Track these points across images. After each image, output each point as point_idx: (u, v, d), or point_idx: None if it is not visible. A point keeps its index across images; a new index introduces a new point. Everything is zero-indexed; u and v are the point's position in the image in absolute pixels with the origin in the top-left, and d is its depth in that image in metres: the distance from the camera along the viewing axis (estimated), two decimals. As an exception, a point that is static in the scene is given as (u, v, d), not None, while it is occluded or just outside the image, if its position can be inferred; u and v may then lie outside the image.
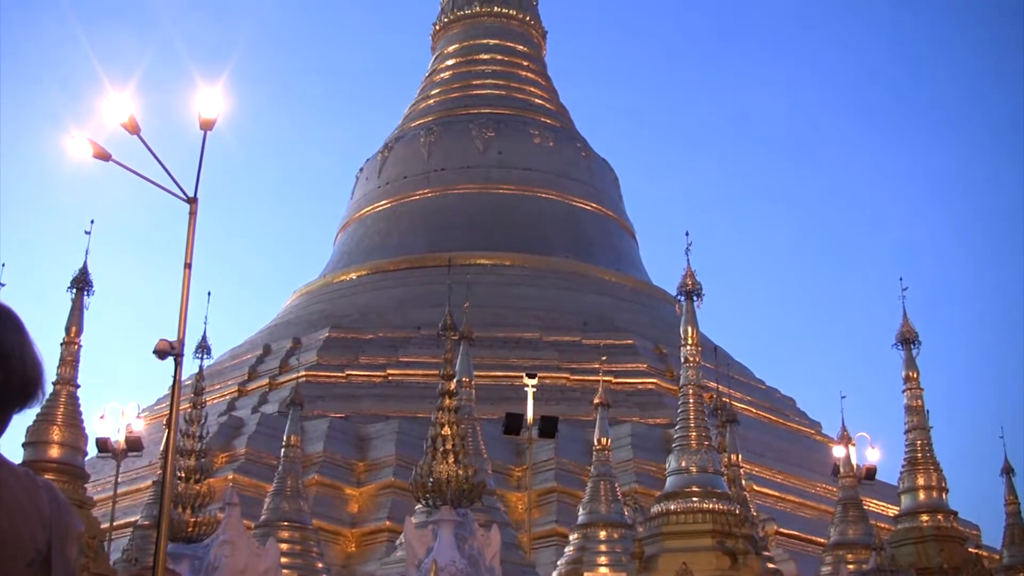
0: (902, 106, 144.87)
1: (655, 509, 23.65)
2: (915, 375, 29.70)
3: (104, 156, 15.61)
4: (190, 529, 25.82)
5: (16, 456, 27.59)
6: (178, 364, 15.26)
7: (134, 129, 15.47)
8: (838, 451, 32.67)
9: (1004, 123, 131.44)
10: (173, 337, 15.10)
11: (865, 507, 32.92)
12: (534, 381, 33.96)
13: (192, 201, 15.87)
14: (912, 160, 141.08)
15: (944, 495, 28.69)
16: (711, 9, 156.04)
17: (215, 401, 47.87)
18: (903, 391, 29.68)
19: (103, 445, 32.81)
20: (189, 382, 31.68)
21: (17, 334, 3.06)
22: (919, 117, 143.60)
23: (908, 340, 30.00)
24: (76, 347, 28.08)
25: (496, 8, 71.01)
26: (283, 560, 27.34)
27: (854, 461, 32.48)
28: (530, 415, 33.75)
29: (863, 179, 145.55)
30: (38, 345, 3.11)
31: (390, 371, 48.88)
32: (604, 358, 39.72)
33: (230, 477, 39.36)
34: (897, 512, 29.87)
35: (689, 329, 25.36)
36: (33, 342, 3.10)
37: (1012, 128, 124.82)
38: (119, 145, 15.70)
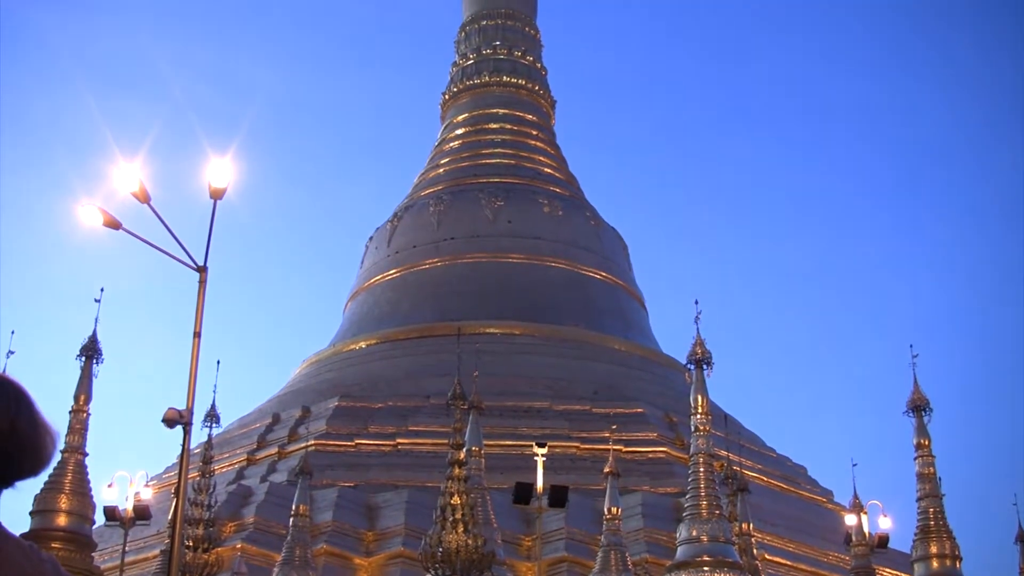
0: (910, 174, 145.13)
1: (666, 579, 23.49)
2: (927, 442, 29.59)
3: (114, 224, 15.67)
4: (198, 599, 25.68)
5: (23, 525, 27.52)
6: (187, 433, 15.24)
7: (144, 198, 15.54)
8: (850, 519, 32.52)
9: (1008, 191, 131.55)
10: (182, 406, 15.09)
11: (878, 576, 32.68)
12: (544, 450, 33.79)
13: (202, 270, 15.90)
14: (921, 228, 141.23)
15: (958, 563, 28.50)
16: (719, 78, 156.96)
17: (224, 470, 47.71)
18: (915, 458, 29.58)
19: (111, 513, 32.65)
20: (198, 451, 31.63)
21: (26, 409, 3.08)
22: (927, 186, 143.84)
23: (919, 407, 29.92)
24: (85, 415, 28.11)
25: (505, 78, 71.48)
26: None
27: (866, 529, 32.30)
28: (540, 484, 33.53)
29: (873, 246, 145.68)
30: (46, 416, 3.12)
31: (399, 440, 48.72)
32: (614, 427, 39.61)
33: (238, 546, 39.13)
34: (910, 581, 29.65)
35: (699, 397, 25.33)
36: (43, 418, 3.12)
37: (1016, 196, 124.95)
38: (129, 213, 15.78)
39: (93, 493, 28.02)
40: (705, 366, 25.60)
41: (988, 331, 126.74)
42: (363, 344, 59.42)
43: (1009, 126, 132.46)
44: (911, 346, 31.21)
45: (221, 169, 16.06)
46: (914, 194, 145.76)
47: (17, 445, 3.03)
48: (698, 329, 26.03)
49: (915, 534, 29.05)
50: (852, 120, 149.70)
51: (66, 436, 27.24)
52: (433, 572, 23.47)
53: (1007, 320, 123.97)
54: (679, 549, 23.92)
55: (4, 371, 31.31)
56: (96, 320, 29.59)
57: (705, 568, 22.90)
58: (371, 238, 66.85)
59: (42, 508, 26.69)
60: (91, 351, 28.96)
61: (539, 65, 74.39)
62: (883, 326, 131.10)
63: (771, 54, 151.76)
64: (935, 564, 28.22)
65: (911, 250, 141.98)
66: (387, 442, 48.89)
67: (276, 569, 30.96)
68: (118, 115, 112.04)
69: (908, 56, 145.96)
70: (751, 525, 30.98)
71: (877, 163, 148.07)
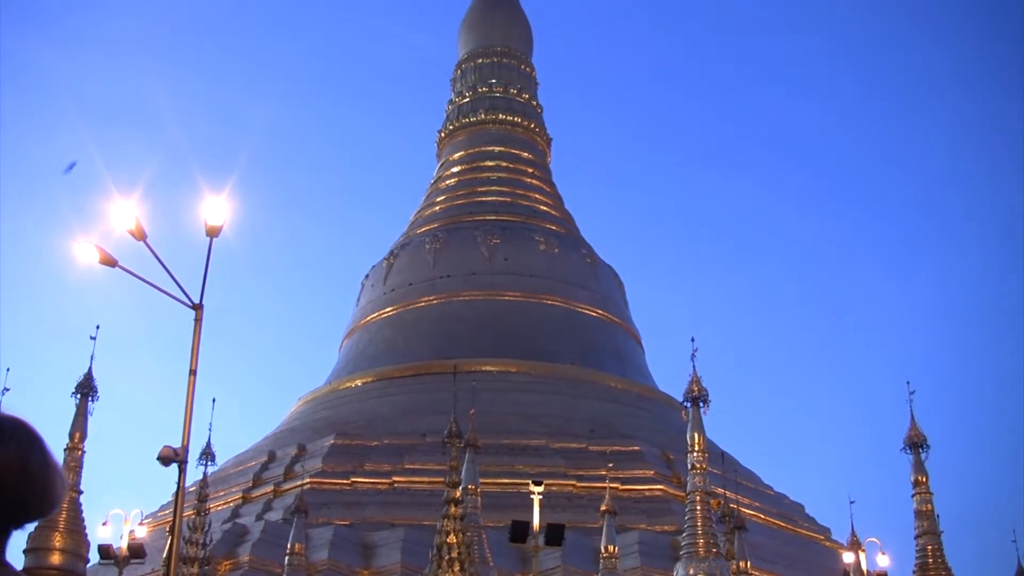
0: (908, 210, 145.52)
1: (663, 617, 23.40)
2: (924, 479, 29.53)
3: (110, 262, 15.64)
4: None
5: (17, 562, 27.36)
6: (182, 471, 15.17)
7: (140, 235, 15.51)
8: (848, 557, 32.39)
9: (1002, 228, 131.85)
10: (177, 443, 15.03)
11: (876, 615, 32.52)
12: (540, 488, 33.67)
13: (198, 308, 15.87)
14: (918, 265, 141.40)
15: (956, 602, 28.37)
16: (716, 115, 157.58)
17: (219, 508, 47.57)
18: (913, 495, 29.51)
19: (105, 552, 32.49)
20: (193, 489, 31.51)
21: (38, 450, 3.09)
22: (924, 223, 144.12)
23: (916, 444, 29.87)
24: (79, 453, 28.03)
25: (501, 116, 71.69)
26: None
27: (864, 567, 32.18)
28: (536, 522, 33.40)
29: (871, 283, 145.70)
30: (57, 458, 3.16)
31: (395, 478, 48.57)
32: (611, 465, 39.52)
33: (233, 586, 38.98)
34: (908, 620, 29.52)
35: (696, 435, 25.29)
36: (54, 459, 3.14)
37: (1010, 232, 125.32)
38: (125, 251, 15.75)
39: (88, 531, 27.90)
40: (701, 403, 25.57)
41: (985, 367, 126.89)
42: (359, 382, 59.32)
43: (1006, 164, 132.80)
44: (908, 382, 31.18)
45: (217, 207, 16.05)
46: (911, 230, 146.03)
47: (28, 486, 3.04)
48: (694, 366, 26.04)
49: (914, 572, 28.96)
50: (848, 158, 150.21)
51: (61, 474, 27.15)
52: (429, 611, 23.36)
53: (1005, 356, 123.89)
54: (676, 587, 23.80)
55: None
56: (91, 357, 29.55)
57: (702, 607, 22.80)
58: (367, 276, 66.86)
59: (36, 546, 26.57)
60: (86, 388, 28.89)
61: (535, 103, 74.64)
62: (880, 363, 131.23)
63: (769, 93, 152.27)
64: (933, 602, 28.12)
65: (908, 287, 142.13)
66: (383, 480, 48.74)
67: (271, 608, 30.83)
68: (114, 151, 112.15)
69: (904, 100, 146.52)
70: (748, 563, 30.88)
71: (875, 199, 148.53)
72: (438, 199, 68.87)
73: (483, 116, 71.76)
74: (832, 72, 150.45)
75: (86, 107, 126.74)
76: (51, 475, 3.09)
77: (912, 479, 29.62)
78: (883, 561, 33.97)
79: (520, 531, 34.07)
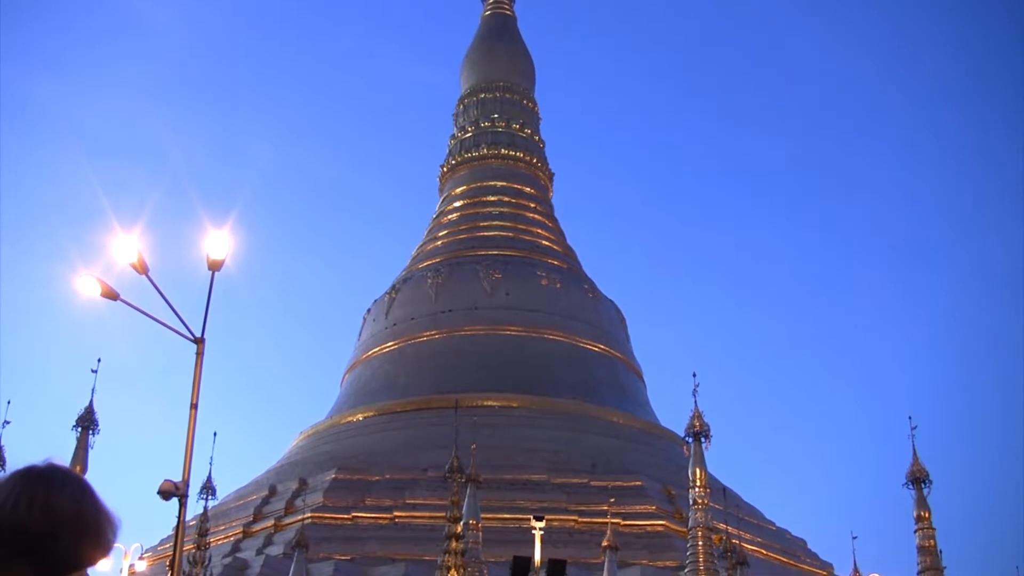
0: (907, 247, 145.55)
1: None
2: (927, 515, 29.43)
3: (112, 295, 15.65)
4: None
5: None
6: (183, 505, 15.14)
7: (142, 269, 15.53)
8: (850, 594, 32.25)
9: (1004, 263, 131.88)
10: (178, 477, 15.00)
11: (879, 651, 32.39)
12: (542, 523, 33.62)
13: (199, 341, 15.87)
14: (919, 300, 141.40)
15: (959, 639, 28.24)
16: (718, 153, 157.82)
17: (220, 542, 47.42)
18: (915, 531, 29.41)
19: (106, 588, 32.44)
20: (194, 523, 31.45)
21: (90, 496, 3.16)
22: (924, 258, 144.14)
23: (919, 479, 29.79)
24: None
25: (503, 151, 71.84)
26: None
27: (867, 604, 32.05)
28: (538, 558, 33.32)
29: (872, 319, 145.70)
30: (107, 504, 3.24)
31: (396, 513, 48.43)
32: (612, 500, 39.43)
33: (234, 621, 38.82)
34: (911, 657, 29.37)
35: (697, 470, 25.24)
36: (105, 505, 3.21)
37: (1013, 265, 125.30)
38: (127, 284, 15.78)
39: (88, 566, 27.79)
40: (703, 439, 25.53)
41: (988, 403, 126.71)
42: (360, 416, 59.22)
43: (1003, 199, 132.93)
44: (910, 418, 31.11)
45: (219, 241, 16.08)
46: (912, 265, 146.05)
47: (83, 531, 3.10)
48: (696, 402, 26.03)
49: (916, 608, 28.82)
50: (851, 194, 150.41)
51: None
52: (430, 647, 23.27)
53: (1007, 391, 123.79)
54: (678, 624, 23.70)
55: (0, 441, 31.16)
56: (93, 390, 29.55)
57: (704, 643, 22.70)
58: (369, 310, 66.85)
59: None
60: (87, 421, 28.86)
61: (537, 138, 74.81)
62: (882, 398, 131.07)
63: (773, 130, 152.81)
64: (936, 639, 27.98)
65: (910, 322, 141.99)
66: (384, 515, 48.60)
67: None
68: (117, 185, 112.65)
69: (904, 137, 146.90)
70: (750, 599, 30.75)
71: (876, 235, 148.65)
72: (440, 234, 68.92)
73: (485, 151, 71.91)
74: (835, 111, 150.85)
75: (89, 141, 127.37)
76: (104, 520, 3.16)
77: (915, 515, 29.53)
78: (886, 597, 33.86)
79: (522, 567, 33.98)
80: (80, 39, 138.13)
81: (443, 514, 26.74)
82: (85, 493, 3.13)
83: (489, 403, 55.81)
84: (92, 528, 3.11)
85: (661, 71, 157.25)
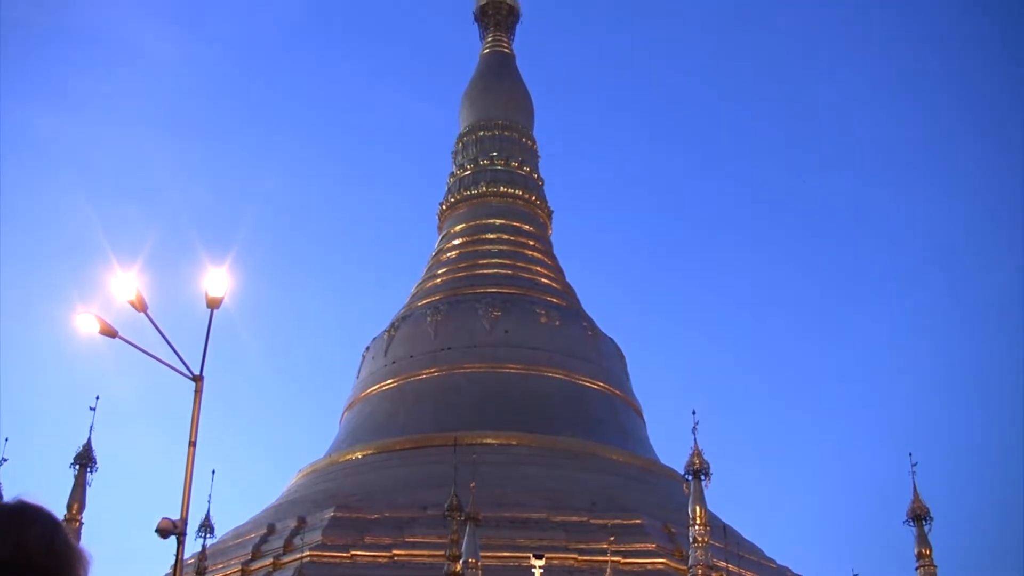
0: (908, 279, 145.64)
1: None
2: (928, 552, 29.39)
3: (111, 333, 15.65)
4: None
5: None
6: (181, 543, 15.10)
7: (141, 306, 15.54)
8: (852, 632, 32.12)
9: (1008, 297, 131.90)
10: (176, 515, 14.96)
11: None
12: (541, 562, 33.54)
13: (198, 379, 15.87)
14: (919, 336, 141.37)
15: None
16: (722, 193, 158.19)
17: (218, 582, 47.23)
18: (916, 568, 29.35)
19: (103, 627, 32.23)
20: (192, 561, 31.36)
21: (61, 534, 3.25)
22: (924, 293, 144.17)
23: (919, 516, 29.75)
24: (78, 524, 27.91)
25: (503, 188, 72.02)
26: None
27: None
28: (537, 596, 33.22)
29: (872, 354, 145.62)
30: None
31: (396, 551, 48.26)
32: (612, 538, 39.34)
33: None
34: None
35: (697, 508, 25.21)
36: (77, 544, 3.28)
37: (1015, 300, 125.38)
38: (126, 321, 15.79)
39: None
40: (703, 477, 25.50)
41: (988, 440, 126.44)
42: (360, 454, 59.10)
43: (1010, 229, 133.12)
44: (910, 455, 31.12)
45: (218, 278, 16.10)
46: (912, 300, 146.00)
47: (54, 566, 3.17)
48: (695, 439, 26.02)
49: (918, 647, 28.70)
50: (845, 223, 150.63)
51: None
52: None
53: (1007, 429, 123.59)
54: (678, 663, 23.61)
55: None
56: (91, 428, 29.53)
57: None
58: (368, 348, 66.84)
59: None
60: (85, 459, 28.84)
61: (536, 175, 75.02)
62: (882, 435, 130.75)
63: (774, 164, 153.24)
64: (938, 678, 27.85)
65: (911, 358, 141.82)
66: (383, 553, 48.43)
67: None
68: (116, 222, 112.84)
69: (901, 154, 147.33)
70: (751, 638, 30.64)
71: (874, 267, 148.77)
72: (439, 271, 68.99)
73: (484, 189, 72.09)
74: (831, 144, 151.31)
75: (88, 177, 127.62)
76: (74, 557, 3.23)
77: (916, 552, 29.48)
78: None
79: (521, 605, 33.89)
80: (80, 74, 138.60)
81: (443, 552, 26.69)
82: (56, 529, 3.20)
83: (488, 441, 55.73)
84: (64, 564, 3.17)
85: (662, 110, 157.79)
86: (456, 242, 70.52)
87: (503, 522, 46.80)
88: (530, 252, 69.87)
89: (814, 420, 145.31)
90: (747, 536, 54.48)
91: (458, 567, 24.25)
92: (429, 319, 63.88)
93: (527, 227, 71.25)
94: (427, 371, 61.83)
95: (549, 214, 74.20)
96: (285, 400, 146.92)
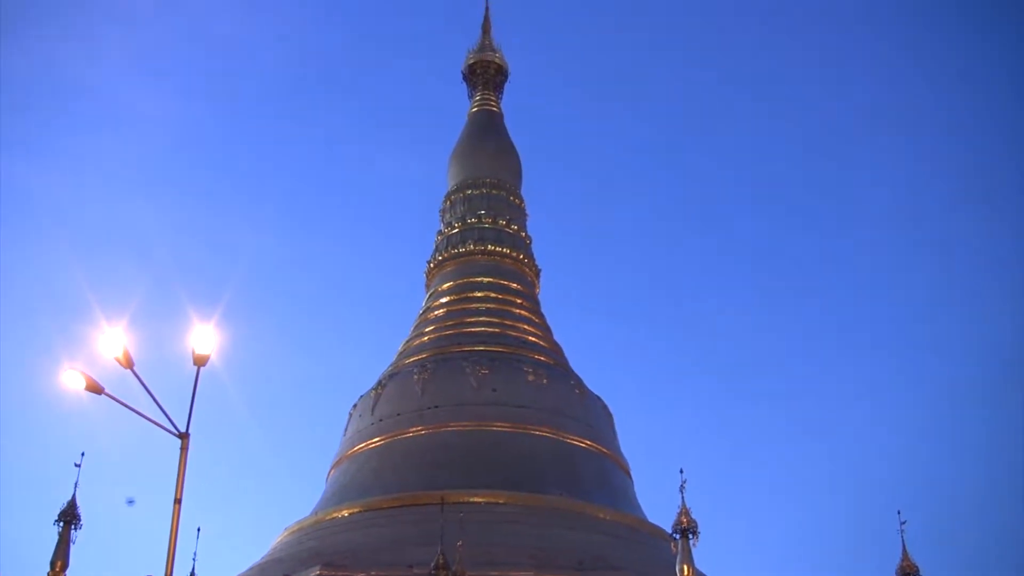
0: (898, 329, 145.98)
1: None
2: (916, 612, 29.30)
3: (97, 389, 15.64)
4: None
5: None
6: (165, 601, 15.02)
7: (128, 363, 15.54)
8: None
9: (994, 345, 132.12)
10: (161, 573, 14.91)
11: None
12: (528, 621, 33.38)
13: (184, 436, 15.87)
14: (910, 388, 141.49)
15: None
16: (710, 251, 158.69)
17: (202, 641, 46.86)
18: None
19: None
20: (176, 621, 31.08)
21: None
22: (915, 343, 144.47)
23: (909, 575, 29.70)
24: (61, 583, 27.70)
25: (490, 247, 72.20)
26: None
27: None
28: (524, 656, 33.08)
29: (859, 409, 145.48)
30: None
31: (381, 611, 47.98)
32: (599, 597, 39.09)
33: None
34: None
35: (685, 567, 25.13)
36: None
37: (1004, 346, 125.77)
38: (112, 378, 15.78)
39: (68, 664, 27.45)
40: (691, 535, 25.43)
41: (979, 496, 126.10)
42: (346, 512, 58.81)
43: (1005, 271, 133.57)
44: (899, 512, 31.10)
45: (205, 335, 16.12)
46: (902, 352, 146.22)
47: None
48: (683, 498, 25.94)
49: None
50: (840, 286, 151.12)
51: (42, 604, 26.85)
52: None
53: (998, 484, 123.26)
54: None
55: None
56: (75, 485, 29.36)
57: None
58: (355, 406, 66.67)
59: None
60: (69, 516, 28.68)
61: (524, 234, 75.25)
62: (870, 491, 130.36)
63: (767, 223, 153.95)
64: None
65: (899, 413, 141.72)
66: (369, 613, 48.15)
67: None
68: (103, 278, 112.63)
69: (889, 224, 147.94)
70: None
71: (864, 317, 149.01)
72: (427, 329, 68.98)
73: (472, 247, 72.26)
74: (825, 202, 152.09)
75: (74, 232, 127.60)
76: None
77: (904, 612, 29.40)
78: None
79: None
80: (66, 129, 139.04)
81: (428, 612, 26.55)
82: None
83: (475, 499, 55.51)
84: None
85: (652, 158, 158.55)
86: (443, 300, 70.57)
87: (490, 581, 46.55)
88: (517, 310, 69.92)
89: (802, 479, 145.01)
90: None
91: (444, 627, 24.13)
92: (416, 377, 63.79)
93: (515, 285, 71.35)
94: (414, 429, 61.66)
95: (537, 272, 74.37)
96: (271, 458, 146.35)
